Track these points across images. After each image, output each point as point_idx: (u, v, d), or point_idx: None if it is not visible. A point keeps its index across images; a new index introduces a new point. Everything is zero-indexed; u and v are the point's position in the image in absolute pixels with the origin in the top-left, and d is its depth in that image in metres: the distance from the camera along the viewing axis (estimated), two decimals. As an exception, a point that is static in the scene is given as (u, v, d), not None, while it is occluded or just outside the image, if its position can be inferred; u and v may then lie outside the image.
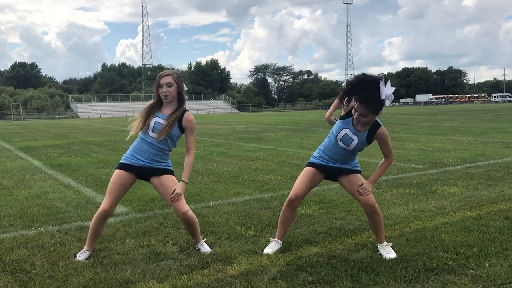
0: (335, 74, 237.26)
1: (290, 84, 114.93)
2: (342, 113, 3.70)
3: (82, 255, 3.71)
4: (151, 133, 3.59)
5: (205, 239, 4.01)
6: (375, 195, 5.65)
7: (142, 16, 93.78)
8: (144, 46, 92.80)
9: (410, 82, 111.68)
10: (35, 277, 3.35)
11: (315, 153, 3.90)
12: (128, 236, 4.34)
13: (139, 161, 3.65)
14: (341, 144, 3.65)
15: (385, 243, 3.74)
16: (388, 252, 3.65)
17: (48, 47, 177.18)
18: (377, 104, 3.37)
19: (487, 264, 3.41)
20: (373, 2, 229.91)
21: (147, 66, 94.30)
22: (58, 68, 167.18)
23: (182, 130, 3.64)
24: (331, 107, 3.99)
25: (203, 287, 3.14)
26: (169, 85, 3.56)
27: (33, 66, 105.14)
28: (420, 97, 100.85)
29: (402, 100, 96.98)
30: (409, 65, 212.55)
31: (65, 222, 4.92)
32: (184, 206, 3.66)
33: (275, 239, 3.92)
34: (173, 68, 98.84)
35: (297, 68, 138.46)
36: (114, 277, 3.32)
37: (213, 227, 4.57)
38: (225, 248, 3.90)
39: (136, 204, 5.59)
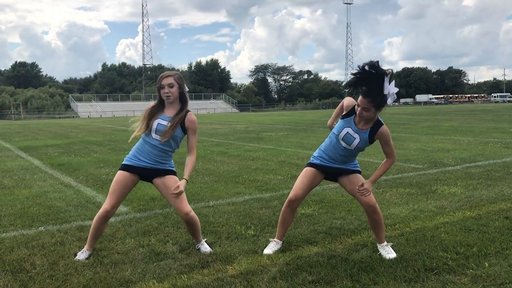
0: (335, 74, 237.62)
1: (290, 84, 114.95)
2: (344, 113, 3.69)
3: (82, 255, 3.72)
4: (154, 135, 3.59)
5: (205, 239, 4.01)
6: (375, 195, 5.65)
7: (142, 15, 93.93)
8: (145, 46, 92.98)
9: (410, 82, 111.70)
10: (35, 277, 3.36)
11: (315, 153, 3.90)
12: (128, 235, 4.34)
13: (142, 162, 3.65)
14: (342, 143, 3.65)
15: (385, 243, 3.74)
16: (388, 252, 3.66)
17: (48, 46, 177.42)
18: (381, 98, 3.36)
19: (486, 264, 3.42)
20: (373, 2, 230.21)
21: (147, 66, 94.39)
22: (58, 68, 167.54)
23: (185, 130, 3.64)
24: (333, 115, 3.97)
25: (203, 287, 3.15)
26: (170, 85, 3.57)
27: (33, 65, 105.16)
28: (420, 97, 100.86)
29: (402, 100, 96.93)
30: (409, 65, 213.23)
31: (65, 221, 4.93)
32: (187, 206, 3.66)
33: (275, 239, 3.92)
34: (173, 68, 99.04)
35: (297, 68, 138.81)
36: (114, 276, 3.33)
37: (213, 227, 4.57)
38: (225, 248, 3.91)
39: (136, 204, 5.59)
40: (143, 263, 3.61)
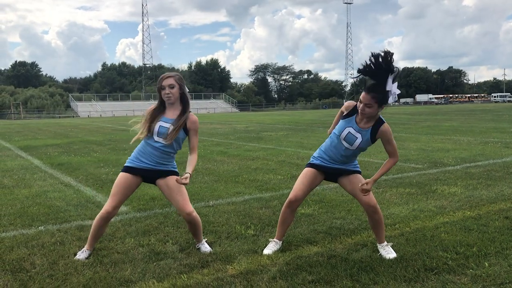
0: (335, 73, 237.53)
1: (290, 83, 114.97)
2: (345, 113, 3.69)
3: (82, 254, 3.72)
4: (156, 137, 3.59)
5: (205, 239, 4.01)
6: (375, 195, 5.65)
7: (143, 15, 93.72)
8: (144, 45, 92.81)
9: (410, 82, 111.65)
10: (35, 276, 3.36)
11: (315, 154, 3.89)
12: (128, 235, 4.34)
13: (144, 164, 3.65)
14: (344, 143, 3.63)
15: (385, 243, 3.74)
16: (388, 252, 3.65)
17: (48, 46, 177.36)
18: (383, 94, 3.34)
19: (486, 264, 3.42)
20: (373, 2, 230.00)
21: (147, 65, 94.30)
22: (58, 67, 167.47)
23: (187, 131, 3.64)
24: (333, 123, 3.96)
25: (203, 287, 3.15)
26: (171, 86, 3.56)
27: (33, 65, 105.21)
28: (420, 97, 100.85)
29: (402, 100, 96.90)
30: (409, 64, 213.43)
31: (65, 221, 4.93)
32: (189, 206, 3.67)
33: (274, 239, 3.92)
34: (173, 68, 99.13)
35: (297, 68, 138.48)
36: (114, 276, 3.33)
37: (213, 227, 4.57)
38: (225, 248, 3.91)
39: (136, 203, 5.59)
40: (143, 262, 3.61)
